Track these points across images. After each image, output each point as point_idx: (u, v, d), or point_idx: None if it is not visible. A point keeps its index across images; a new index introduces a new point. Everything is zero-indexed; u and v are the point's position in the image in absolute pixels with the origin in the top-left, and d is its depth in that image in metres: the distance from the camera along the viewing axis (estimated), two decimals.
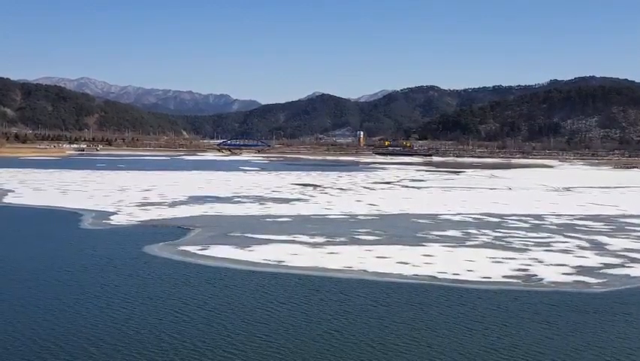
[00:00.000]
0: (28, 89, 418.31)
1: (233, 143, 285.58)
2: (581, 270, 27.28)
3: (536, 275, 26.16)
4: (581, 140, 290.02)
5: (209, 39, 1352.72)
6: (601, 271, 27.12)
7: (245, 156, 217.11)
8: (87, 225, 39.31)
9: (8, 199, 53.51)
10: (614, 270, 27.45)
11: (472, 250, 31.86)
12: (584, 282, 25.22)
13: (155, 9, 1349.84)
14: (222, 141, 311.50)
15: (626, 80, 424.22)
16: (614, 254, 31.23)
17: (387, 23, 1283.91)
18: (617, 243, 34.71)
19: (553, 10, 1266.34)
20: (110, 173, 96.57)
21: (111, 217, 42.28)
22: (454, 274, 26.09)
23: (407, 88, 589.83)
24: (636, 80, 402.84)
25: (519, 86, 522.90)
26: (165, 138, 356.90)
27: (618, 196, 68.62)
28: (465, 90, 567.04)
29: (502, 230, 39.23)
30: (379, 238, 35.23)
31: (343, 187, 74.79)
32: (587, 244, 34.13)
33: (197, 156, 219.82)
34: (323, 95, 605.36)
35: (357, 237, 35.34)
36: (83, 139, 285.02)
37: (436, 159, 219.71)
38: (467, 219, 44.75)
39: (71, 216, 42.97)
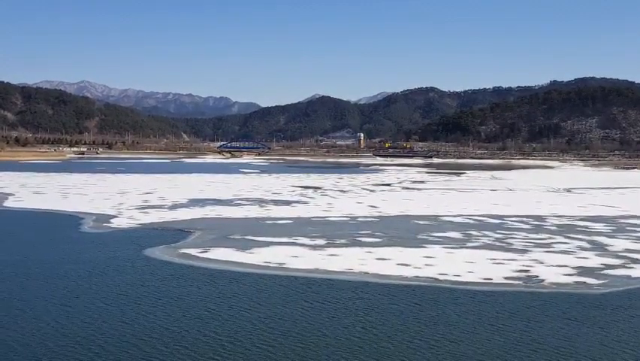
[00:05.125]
0: (29, 93, 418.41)
1: (233, 145, 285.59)
2: (582, 271, 27.29)
3: (537, 276, 26.16)
4: (581, 141, 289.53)
5: (208, 42, 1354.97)
6: (602, 272, 27.12)
7: (245, 159, 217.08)
8: (88, 228, 39.32)
9: (9, 203, 53.52)
10: (615, 271, 27.46)
11: (472, 251, 31.87)
12: (584, 283, 25.23)
13: (154, 12, 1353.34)
14: (222, 143, 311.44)
15: (626, 80, 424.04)
16: (614, 255, 31.24)
17: (387, 25, 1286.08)
18: (617, 244, 34.71)
19: (553, 11, 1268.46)
20: (110, 176, 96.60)
21: (112, 220, 42.30)
22: (455, 275, 26.10)
23: (407, 90, 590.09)
24: (636, 81, 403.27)
25: (519, 87, 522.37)
26: (165, 140, 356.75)
27: (618, 197, 68.59)
28: (465, 92, 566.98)
29: (502, 231, 39.24)
30: (380, 239, 35.23)
31: (344, 189, 74.80)
32: (587, 245, 34.13)
33: (198, 158, 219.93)
34: (323, 97, 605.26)
35: (357, 239, 35.34)
36: (83, 142, 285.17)
37: (436, 160, 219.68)
38: (468, 220, 44.74)
39: (72, 220, 42.98)
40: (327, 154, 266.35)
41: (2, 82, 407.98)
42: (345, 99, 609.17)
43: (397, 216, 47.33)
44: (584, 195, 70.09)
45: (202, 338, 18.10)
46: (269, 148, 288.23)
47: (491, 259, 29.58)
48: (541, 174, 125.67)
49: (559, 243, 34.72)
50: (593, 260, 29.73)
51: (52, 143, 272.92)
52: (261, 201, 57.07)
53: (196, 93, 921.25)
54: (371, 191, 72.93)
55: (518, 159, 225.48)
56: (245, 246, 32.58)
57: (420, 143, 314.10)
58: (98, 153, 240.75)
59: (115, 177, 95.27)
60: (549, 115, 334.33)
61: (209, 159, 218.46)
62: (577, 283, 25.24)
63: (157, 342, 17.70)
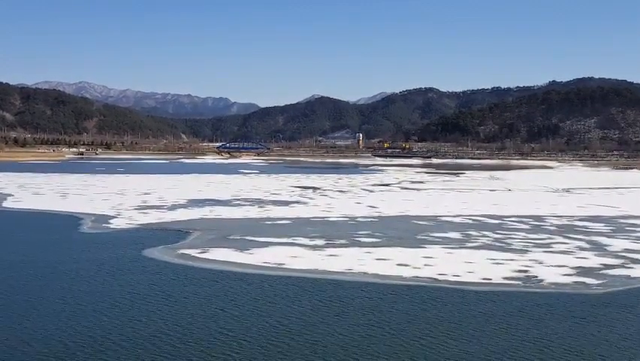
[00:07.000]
0: (27, 94, 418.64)
1: (232, 146, 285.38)
2: (581, 271, 27.30)
3: (536, 276, 26.16)
4: (580, 141, 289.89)
5: (207, 42, 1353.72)
6: (601, 272, 27.13)
7: (244, 159, 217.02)
8: (87, 229, 39.28)
9: (7, 204, 53.46)
10: (614, 271, 27.47)
11: (472, 251, 31.87)
12: (584, 283, 25.23)
13: (154, 12, 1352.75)
14: (221, 143, 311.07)
15: (624, 81, 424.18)
16: (613, 255, 31.25)
17: (386, 25, 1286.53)
18: (616, 244, 34.73)
19: (552, 11, 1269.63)
20: (109, 176, 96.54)
21: (111, 221, 42.26)
22: (455, 275, 26.09)
23: (406, 90, 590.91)
24: (635, 82, 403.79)
25: (518, 87, 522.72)
26: (164, 141, 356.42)
27: (617, 197, 68.64)
28: (464, 92, 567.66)
29: (501, 231, 39.24)
30: (379, 239, 35.22)
31: (343, 189, 74.78)
32: (586, 245, 34.15)
33: (197, 159, 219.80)
34: (322, 97, 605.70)
35: (357, 239, 35.33)
36: (82, 143, 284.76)
37: (435, 160, 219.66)
38: (467, 220, 44.74)
39: (71, 220, 42.93)
40: (326, 154, 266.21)
41: (1, 82, 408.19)
42: (344, 99, 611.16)
43: (396, 216, 47.32)
44: (583, 195, 70.13)
45: (201, 339, 18.07)
46: (268, 148, 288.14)
47: (491, 259, 29.57)
48: (540, 174, 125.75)
49: (558, 243, 34.73)
50: (593, 260, 29.74)
51: (51, 143, 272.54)
52: (260, 202, 57.05)
53: (195, 94, 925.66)
54: (370, 191, 72.92)
55: (517, 159, 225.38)
56: (244, 246, 32.55)
57: (419, 143, 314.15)
58: (96, 154, 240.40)
59: (114, 177, 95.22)
60: (548, 115, 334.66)
61: (208, 159, 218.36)
62: (576, 283, 25.23)
63: (156, 342, 17.67)
